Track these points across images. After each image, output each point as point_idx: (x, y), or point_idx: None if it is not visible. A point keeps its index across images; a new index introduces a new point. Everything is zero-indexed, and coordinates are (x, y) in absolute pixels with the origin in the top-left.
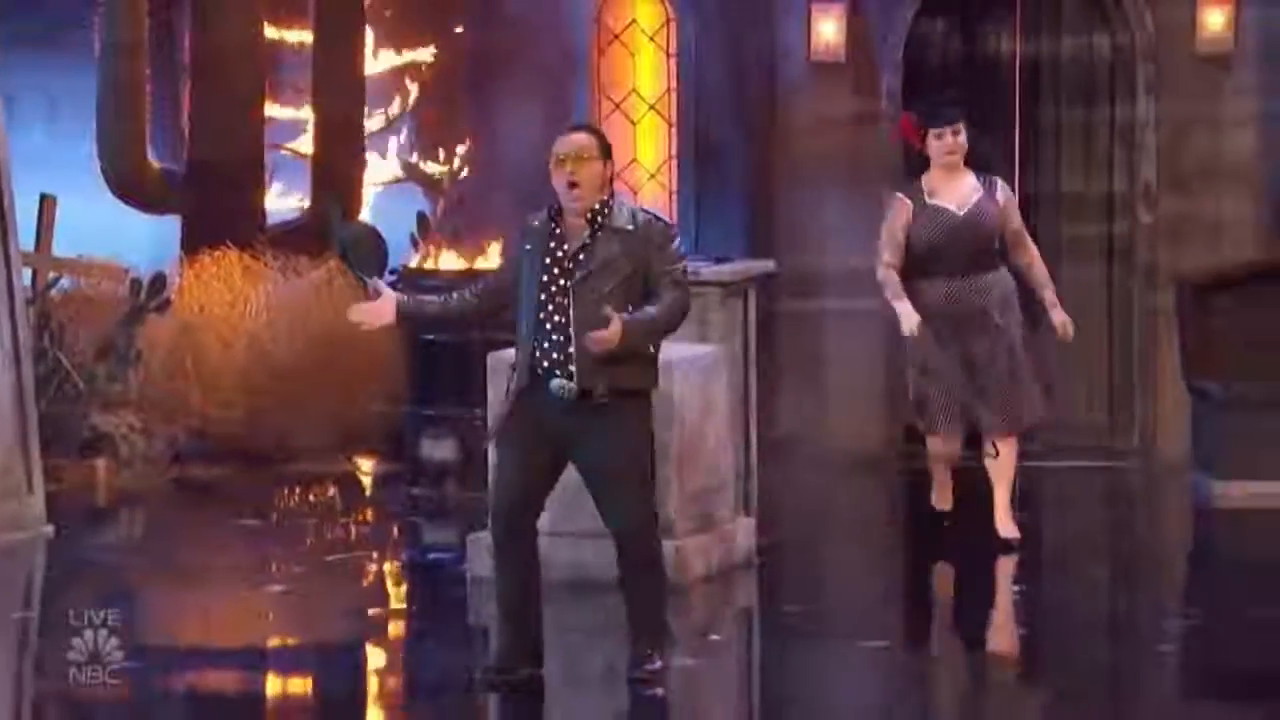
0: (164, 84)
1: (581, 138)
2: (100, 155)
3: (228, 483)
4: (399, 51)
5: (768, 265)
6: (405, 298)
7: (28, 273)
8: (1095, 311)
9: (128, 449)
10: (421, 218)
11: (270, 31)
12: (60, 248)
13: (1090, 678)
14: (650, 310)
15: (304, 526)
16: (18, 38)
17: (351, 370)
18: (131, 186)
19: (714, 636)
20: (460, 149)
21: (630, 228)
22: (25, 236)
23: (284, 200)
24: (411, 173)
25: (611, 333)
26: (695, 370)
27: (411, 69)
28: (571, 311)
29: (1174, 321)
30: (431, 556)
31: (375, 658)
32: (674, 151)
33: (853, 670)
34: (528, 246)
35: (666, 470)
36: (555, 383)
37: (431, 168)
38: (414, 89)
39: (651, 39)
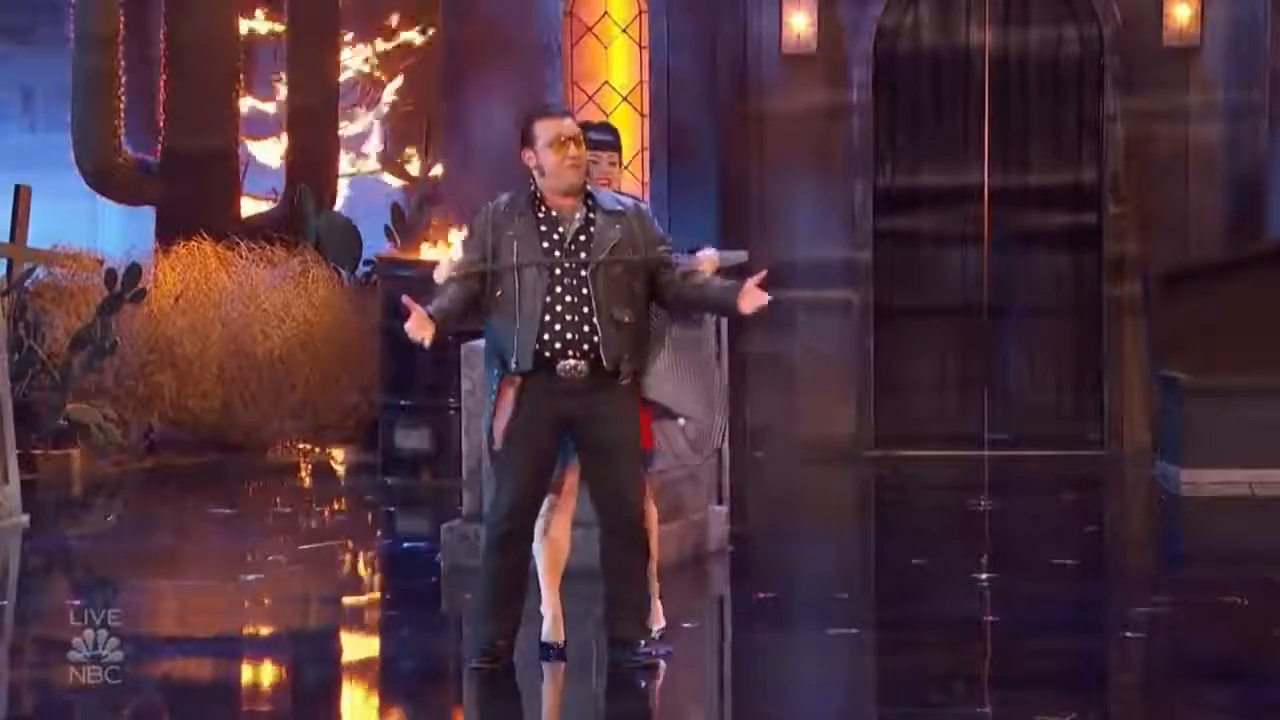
0: (138, 76)
1: (574, 123)
2: (75, 146)
3: (203, 472)
4: (373, 45)
5: (740, 255)
6: (430, 309)
7: (2, 263)
8: (1063, 302)
9: (103, 438)
10: (396, 209)
11: (244, 24)
12: (35, 238)
13: (1056, 664)
14: (708, 283)
15: (279, 516)
16: None
17: (326, 360)
18: (106, 177)
19: (686, 624)
20: (434, 141)
21: (619, 209)
22: (0, 227)
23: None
24: (385, 164)
25: (755, 293)
26: (666, 359)
27: (385, 62)
28: (592, 291)
29: (1140, 312)
30: (406, 546)
31: (350, 646)
32: (646, 143)
33: (822, 656)
34: (510, 231)
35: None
36: (565, 364)
37: (406, 159)
38: (388, 82)
39: (624, 31)
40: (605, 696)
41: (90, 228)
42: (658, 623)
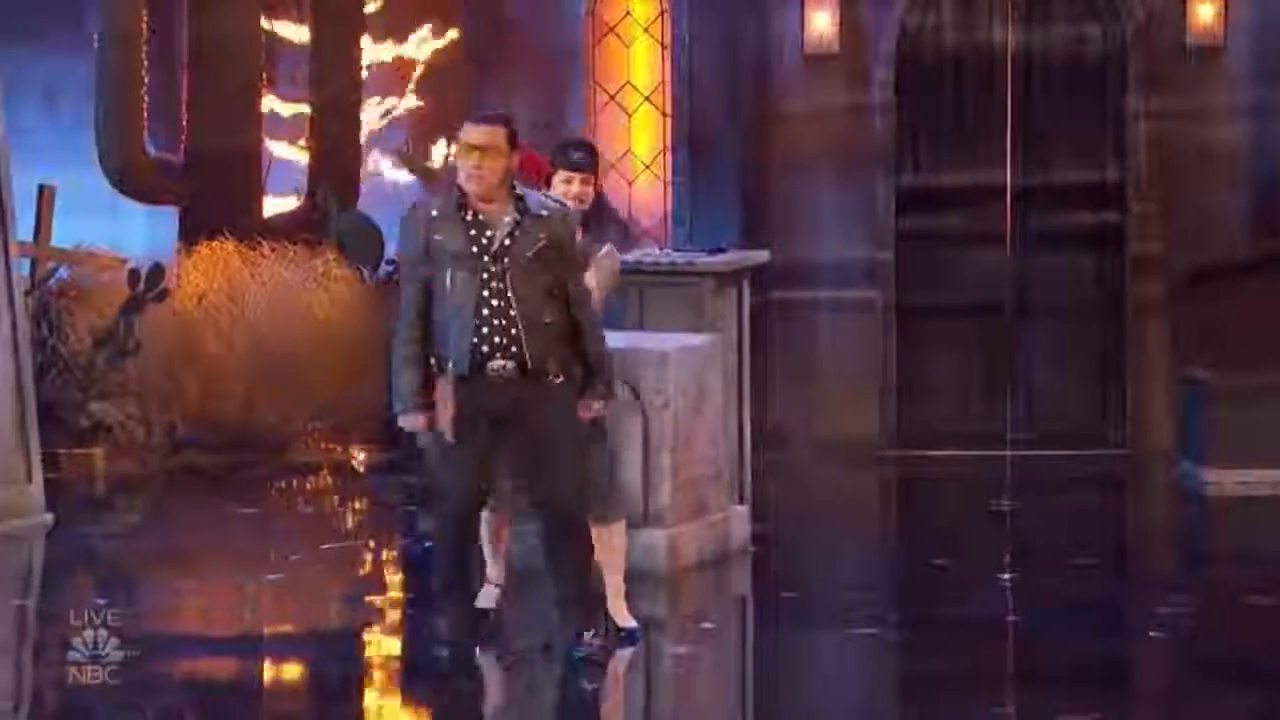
0: (161, 74)
1: (490, 130)
2: (98, 146)
3: (225, 471)
4: (396, 44)
5: (762, 255)
6: (410, 400)
7: (26, 263)
8: (1087, 301)
9: (126, 438)
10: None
11: (266, 23)
12: (59, 238)
13: (1079, 665)
14: (591, 353)
15: (301, 515)
16: (17, 29)
17: (348, 360)
18: (129, 177)
19: (707, 624)
20: (456, 141)
21: (545, 214)
22: (24, 227)
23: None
24: (408, 164)
25: (601, 412)
26: (689, 359)
27: (408, 62)
28: (513, 294)
29: (1163, 311)
30: (428, 545)
31: (372, 645)
32: (668, 143)
33: (844, 656)
34: (438, 236)
35: (661, 459)
36: (494, 364)
37: (428, 159)
38: (410, 82)
39: (646, 31)
40: (629, 696)
41: (113, 227)
42: (627, 622)
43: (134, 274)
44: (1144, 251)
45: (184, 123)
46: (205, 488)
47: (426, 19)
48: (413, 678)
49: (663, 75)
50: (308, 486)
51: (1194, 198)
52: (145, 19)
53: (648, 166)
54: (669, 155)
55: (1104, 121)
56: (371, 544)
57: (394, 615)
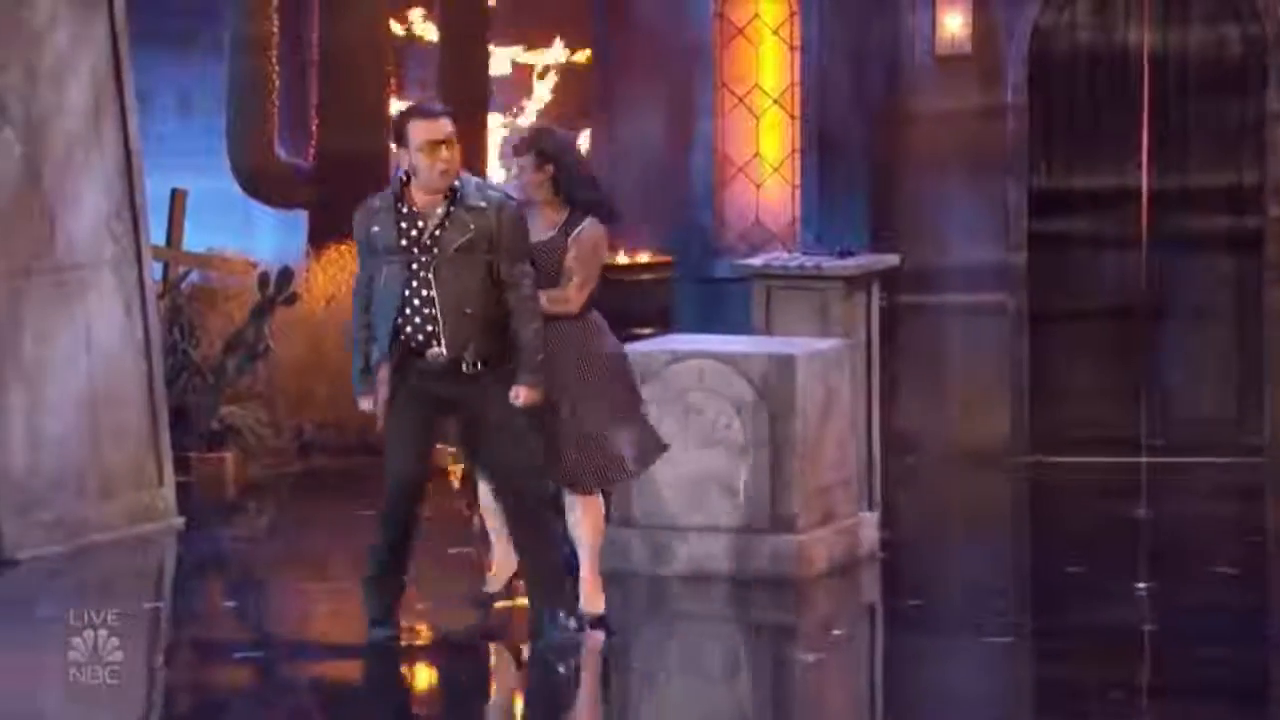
0: (291, 78)
1: (448, 123)
2: (229, 150)
3: (354, 474)
4: (524, 50)
5: (891, 259)
6: (370, 368)
7: (159, 267)
8: (1224, 305)
9: (256, 441)
10: None
11: (400, 26)
12: (190, 242)
13: (1218, 675)
14: (520, 341)
15: (427, 519)
16: (151, 34)
17: None
18: (259, 180)
19: (836, 631)
20: (583, 147)
21: (482, 204)
22: (156, 230)
23: None
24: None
25: (529, 396)
26: (818, 365)
27: (536, 67)
28: (435, 284)
29: None
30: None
31: (497, 650)
32: (797, 145)
33: (975, 665)
34: (375, 228)
35: (790, 465)
36: (431, 351)
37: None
38: (538, 87)
39: (775, 32)
40: (757, 705)
41: (244, 231)
42: (590, 608)
43: (264, 278)
44: None
45: (314, 126)
46: (334, 491)
47: (554, 23)
48: (536, 683)
49: (792, 77)
50: (434, 489)
51: None
52: (275, 23)
53: (776, 170)
54: (797, 158)
55: (1241, 124)
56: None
57: (520, 619)
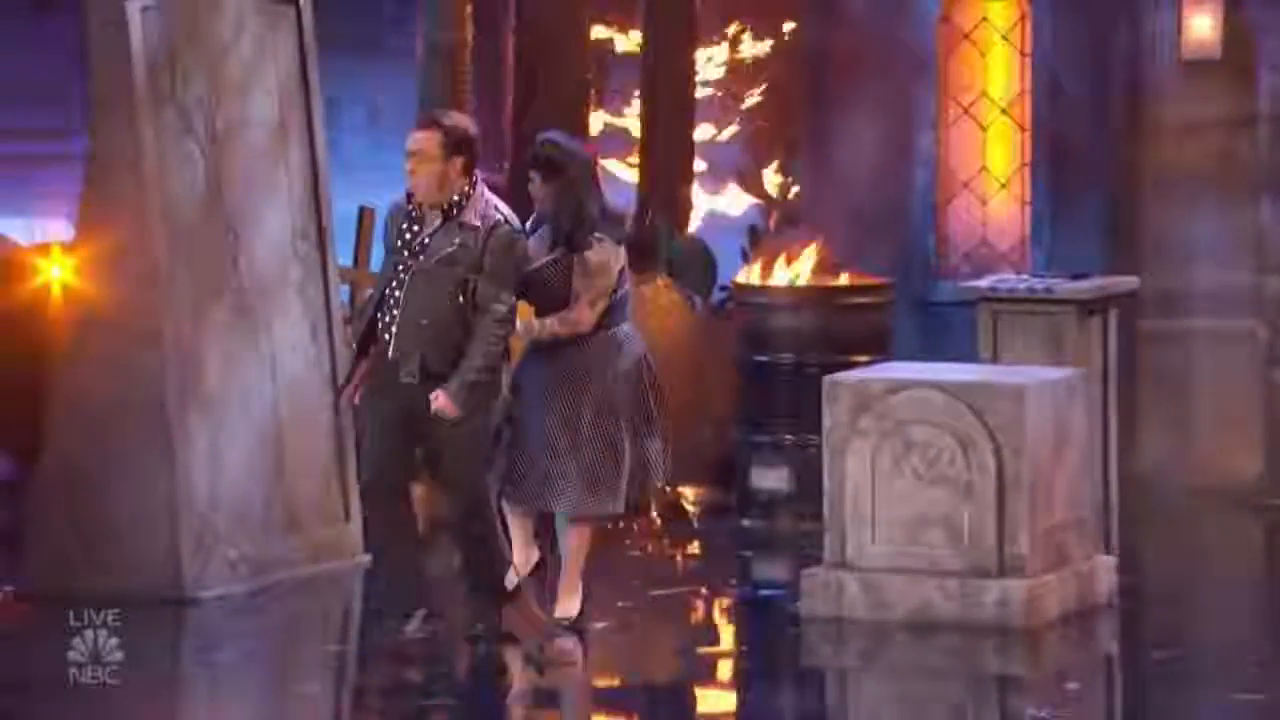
0: (486, 87)
1: (421, 135)
2: None
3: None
4: (732, 54)
5: (1130, 282)
6: (362, 355)
7: (345, 289)
8: None
9: None
10: (753, 230)
11: (597, 33)
12: (376, 262)
13: None
14: (468, 352)
15: (629, 559)
16: (340, 42)
17: (678, 392)
18: None
19: (1071, 684)
20: (795, 157)
21: (476, 223)
22: (342, 250)
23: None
24: (744, 183)
25: (443, 404)
26: (1049, 396)
27: (744, 73)
28: (405, 291)
29: None
30: (762, 593)
31: (705, 699)
32: (1027, 159)
33: None
34: (389, 225)
35: (1019, 504)
36: (391, 352)
37: (765, 177)
38: (747, 95)
39: (1004, 37)
40: None
41: None
42: (568, 612)
43: None
44: None
45: (510, 140)
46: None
47: (765, 26)
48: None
49: (1022, 85)
50: (636, 528)
51: None
52: (470, 31)
53: (1004, 185)
54: (1028, 172)
55: None
56: (704, 591)
57: (725, 668)
